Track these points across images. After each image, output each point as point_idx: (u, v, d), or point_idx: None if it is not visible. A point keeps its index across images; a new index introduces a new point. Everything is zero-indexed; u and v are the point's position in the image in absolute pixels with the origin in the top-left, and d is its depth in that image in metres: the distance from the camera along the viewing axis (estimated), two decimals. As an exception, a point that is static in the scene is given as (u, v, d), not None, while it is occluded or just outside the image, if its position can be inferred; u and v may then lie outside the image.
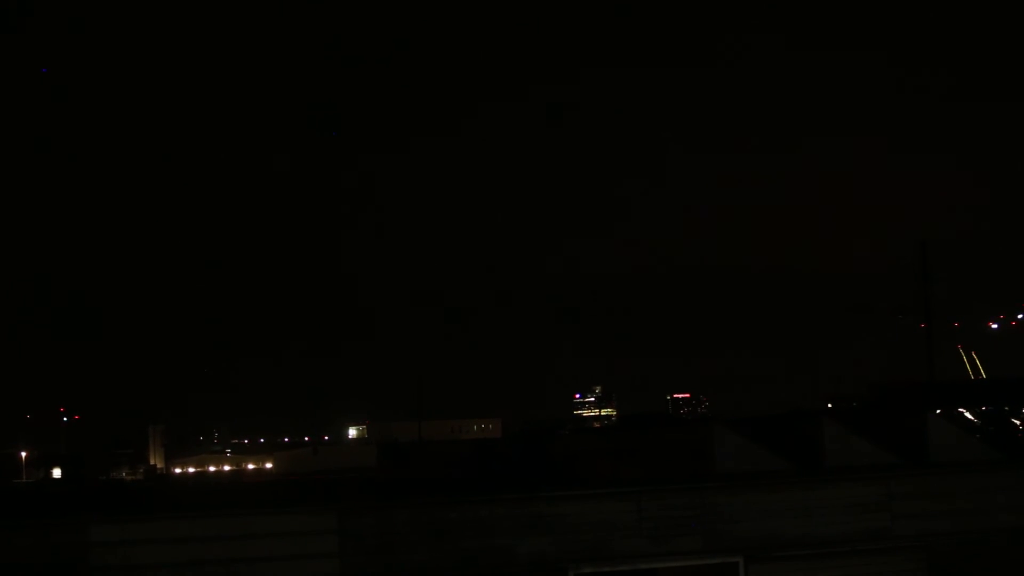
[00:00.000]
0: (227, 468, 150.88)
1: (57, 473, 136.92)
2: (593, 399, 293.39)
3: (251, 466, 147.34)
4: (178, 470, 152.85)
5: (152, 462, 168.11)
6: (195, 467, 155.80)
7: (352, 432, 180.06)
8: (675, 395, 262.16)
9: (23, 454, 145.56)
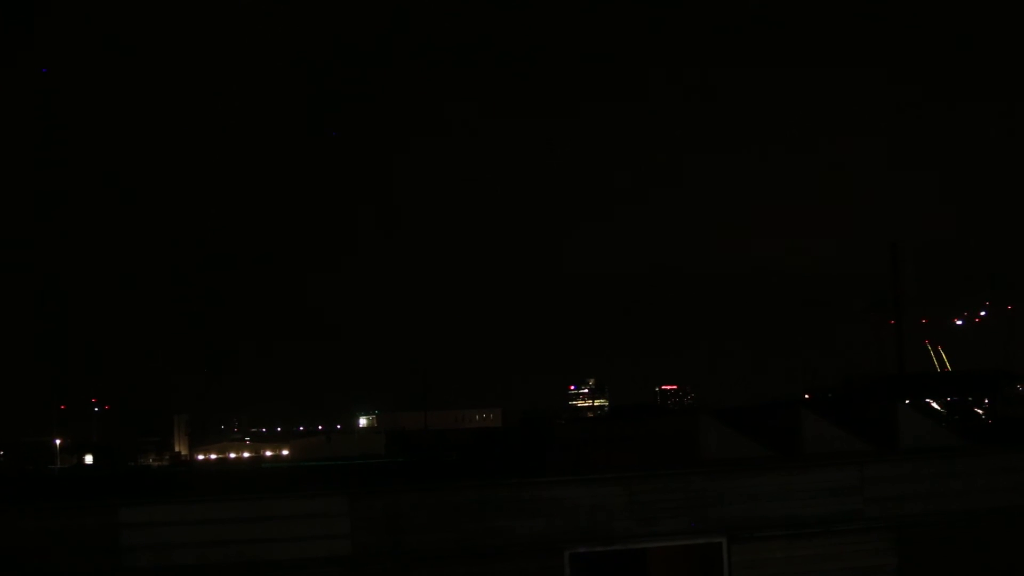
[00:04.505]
0: (246, 455, 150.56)
1: (89, 459, 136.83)
2: (587, 391, 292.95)
3: (269, 453, 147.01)
4: (201, 457, 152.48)
5: (177, 449, 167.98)
6: (217, 454, 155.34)
7: (362, 421, 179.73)
8: (663, 387, 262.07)
9: (57, 442, 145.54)
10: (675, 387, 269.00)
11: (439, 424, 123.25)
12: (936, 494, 22.91)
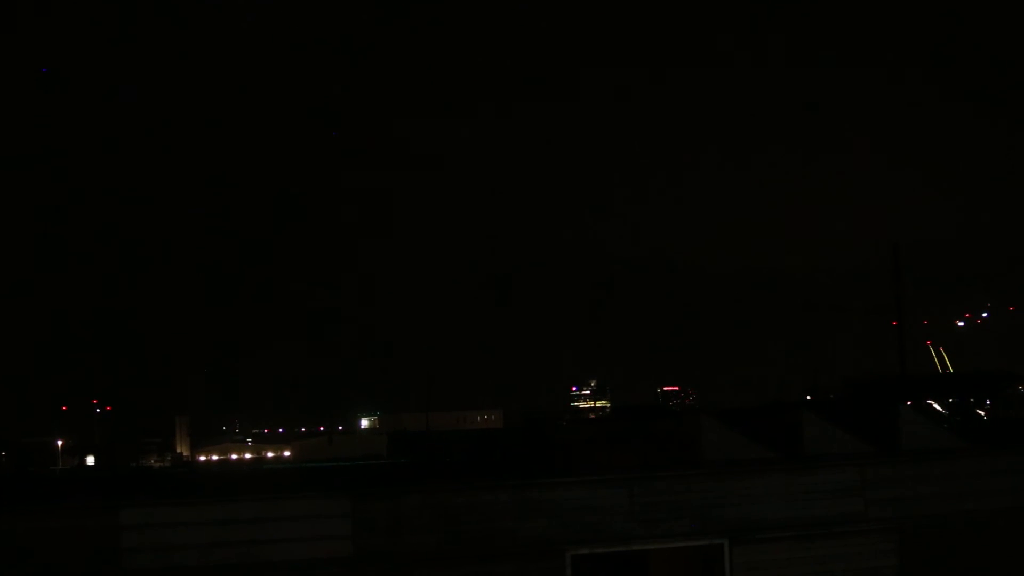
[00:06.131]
0: (248, 456, 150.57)
1: (90, 461, 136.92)
2: (588, 391, 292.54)
3: (270, 454, 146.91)
4: (203, 458, 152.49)
5: (178, 450, 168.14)
6: (219, 455, 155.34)
7: (364, 423, 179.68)
8: (665, 388, 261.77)
9: (59, 443, 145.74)
10: (676, 388, 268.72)
11: (441, 425, 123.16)
12: (938, 495, 22.89)
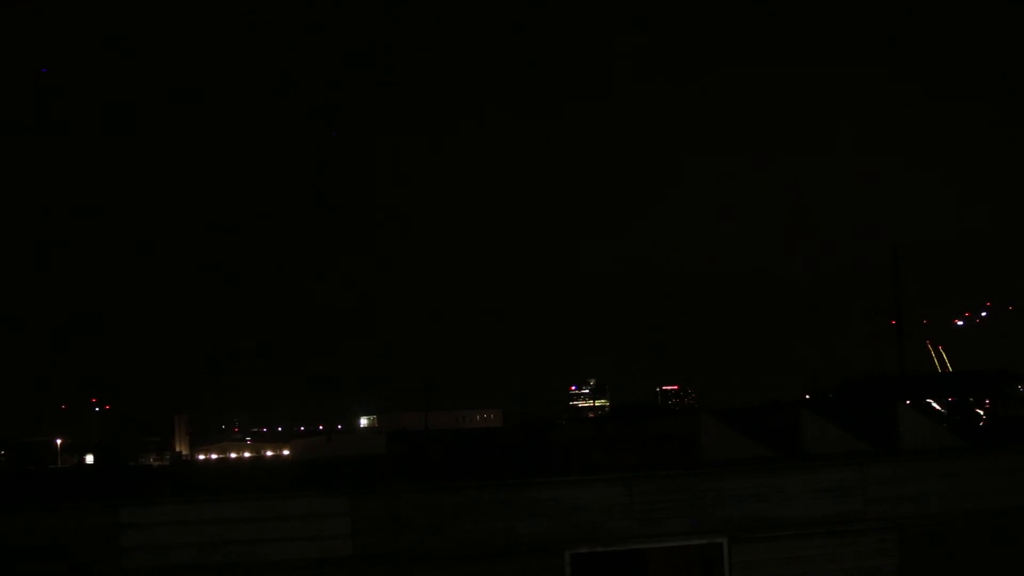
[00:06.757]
0: (247, 455, 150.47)
1: (89, 459, 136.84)
2: (588, 391, 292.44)
3: (269, 453, 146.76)
4: (202, 456, 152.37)
5: (178, 449, 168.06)
6: (218, 454, 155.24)
7: (363, 422, 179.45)
8: (664, 387, 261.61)
9: (58, 441, 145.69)
10: (676, 387, 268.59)
11: (440, 425, 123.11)
12: (937, 495, 22.88)
